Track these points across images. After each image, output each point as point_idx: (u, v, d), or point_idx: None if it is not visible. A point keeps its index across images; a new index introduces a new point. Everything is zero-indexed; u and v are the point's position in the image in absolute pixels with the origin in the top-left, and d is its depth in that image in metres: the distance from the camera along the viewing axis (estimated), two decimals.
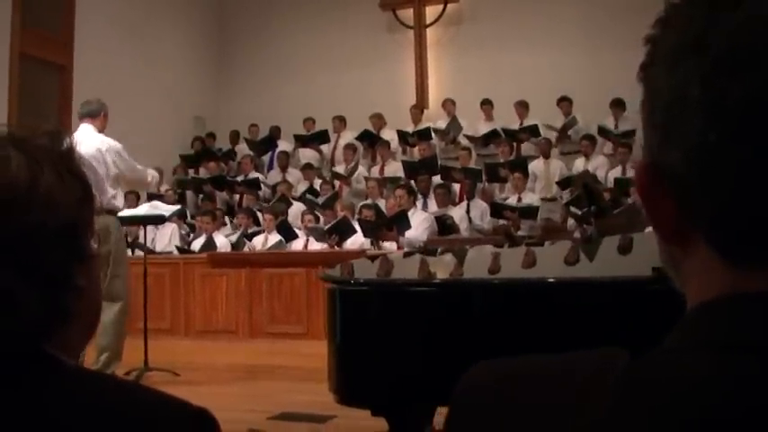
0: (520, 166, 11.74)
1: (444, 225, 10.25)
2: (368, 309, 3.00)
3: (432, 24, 15.02)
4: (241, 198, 12.94)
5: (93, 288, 1.09)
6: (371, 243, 9.85)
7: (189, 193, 13.43)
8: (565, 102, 13.05)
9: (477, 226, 10.86)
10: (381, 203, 10.99)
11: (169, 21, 14.69)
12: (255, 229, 11.12)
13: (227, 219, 12.19)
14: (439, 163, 12.22)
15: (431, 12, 15.03)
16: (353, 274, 3.58)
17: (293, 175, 13.59)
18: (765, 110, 0.63)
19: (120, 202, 6.85)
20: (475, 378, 0.78)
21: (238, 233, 11.20)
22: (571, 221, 10.02)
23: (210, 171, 13.77)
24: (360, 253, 8.62)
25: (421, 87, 14.92)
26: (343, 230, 10.02)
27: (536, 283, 3.05)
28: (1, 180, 0.97)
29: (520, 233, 9.91)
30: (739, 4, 0.64)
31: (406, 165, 12.30)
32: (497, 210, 10.76)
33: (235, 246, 10.78)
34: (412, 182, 11.49)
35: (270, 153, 14.34)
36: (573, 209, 9.83)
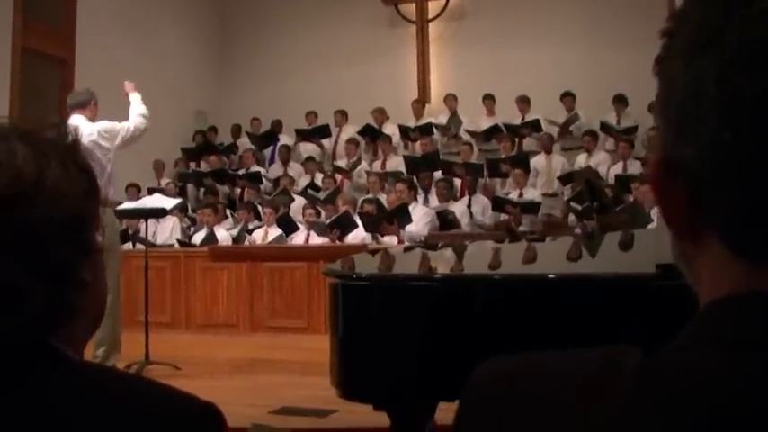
0: (521, 161, 11.73)
1: (445, 220, 10.24)
2: (370, 303, 2.99)
3: (434, 19, 15.01)
4: (242, 192, 12.94)
5: (99, 282, 1.09)
6: (372, 237, 9.85)
7: (190, 187, 13.44)
8: (568, 97, 13.06)
9: (479, 221, 10.86)
10: (382, 198, 10.99)
11: (171, 14, 14.68)
12: (257, 223, 11.12)
13: (228, 212, 12.20)
14: (440, 158, 12.20)
15: (433, 6, 15.02)
16: (354, 268, 3.58)
17: (294, 169, 13.59)
18: None
19: (111, 194, 6.83)
20: (485, 374, 0.77)
21: (239, 227, 11.20)
22: (572, 217, 10.02)
23: (212, 165, 13.78)
24: (361, 247, 8.62)
25: (423, 82, 14.91)
26: (345, 225, 10.01)
27: (538, 279, 3.04)
28: (7, 173, 0.96)
29: (521, 229, 9.92)
30: (755, 1, 0.64)
31: (407, 160, 12.29)
32: (499, 205, 10.75)
33: (236, 240, 10.78)
34: (414, 177, 11.48)
35: (271, 147, 14.34)
36: (574, 204, 9.82)
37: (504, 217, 10.59)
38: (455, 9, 14.90)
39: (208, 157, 14.05)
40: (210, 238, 10.63)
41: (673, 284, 2.57)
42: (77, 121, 6.54)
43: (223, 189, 13.30)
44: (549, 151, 12.38)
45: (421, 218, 9.99)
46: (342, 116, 14.25)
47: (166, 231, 11.17)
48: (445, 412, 2.86)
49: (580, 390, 0.68)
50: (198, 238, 10.86)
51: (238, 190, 13.16)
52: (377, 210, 10.25)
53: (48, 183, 0.97)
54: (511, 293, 2.88)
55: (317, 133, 14.04)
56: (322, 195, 11.77)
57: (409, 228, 9.68)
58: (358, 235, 9.97)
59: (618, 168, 11.55)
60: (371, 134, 13.57)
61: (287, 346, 8.15)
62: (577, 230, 8.44)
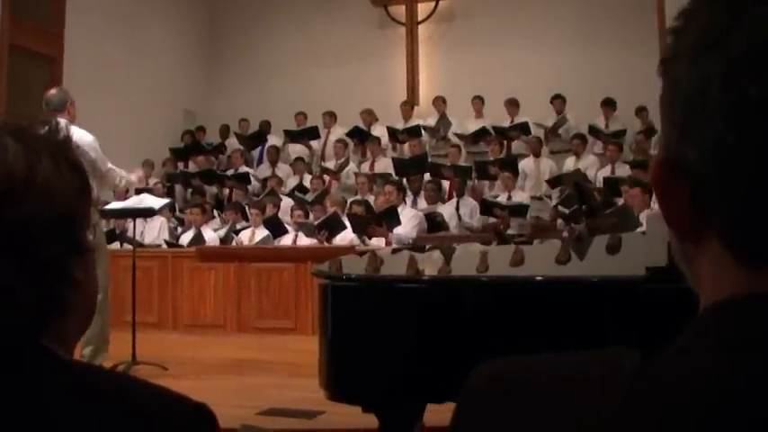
0: (510, 164, 11.75)
1: (434, 222, 10.25)
2: (360, 304, 2.99)
3: (423, 21, 15.02)
4: (231, 192, 12.92)
5: (90, 281, 1.08)
6: (360, 239, 9.84)
7: (178, 187, 13.40)
8: (558, 99, 13.09)
9: (467, 223, 10.87)
10: (371, 199, 10.99)
11: (160, 13, 14.65)
12: (245, 224, 11.10)
13: (215, 213, 12.17)
14: (429, 160, 12.21)
15: (423, 8, 15.04)
16: (342, 270, 3.57)
17: (283, 169, 13.57)
18: None
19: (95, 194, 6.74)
20: (482, 377, 0.77)
21: (227, 227, 11.18)
22: (560, 221, 10.03)
23: (200, 165, 13.75)
24: (349, 249, 8.61)
25: (412, 84, 14.92)
26: (333, 226, 10.01)
27: (527, 281, 3.04)
28: None
29: (509, 231, 9.92)
30: (763, 2, 0.64)
31: (396, 162, 12.29)
32: (487, 207, 10.76)
33: (223, 240, 10.76)
34: (403, 179, 11.48)
35: (260, 147, 14.33)
36: (561, 208, 9.84)
37: (492, 220, 10.60)
38: (445, 11, 14.92)
39: (196, 157, 14.03)
40: (198, 238, 10.60)
41: (661, 288, 2.58)
42: None
43: (211, 189, 13.28)
44: (537, 154, 12.41)
45: (409, 220, 9.99)
46: (330, 117, 14.25)
47: (154, 231, 11.14)
48: (434, 414, 2.86)
49: (578, 393, 0.67)
50: (185, 238, 10.83)
51: (226, 190, 13.13)
52: (365, 211, 10.24)
53: (38, 179, 0.96)
54: (499, 295, 2.88)
55: (305, 134, 14.03)
56: (310, 197, 11.76)
57: (397, 230, 9.68)
58: (346, 236, 9.97)
59: (606, 171, 11.58)
60: (360, 136, 13.57)
61: (274, 347, 8.13)
62: (565, 233, 8.46)
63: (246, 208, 11.39)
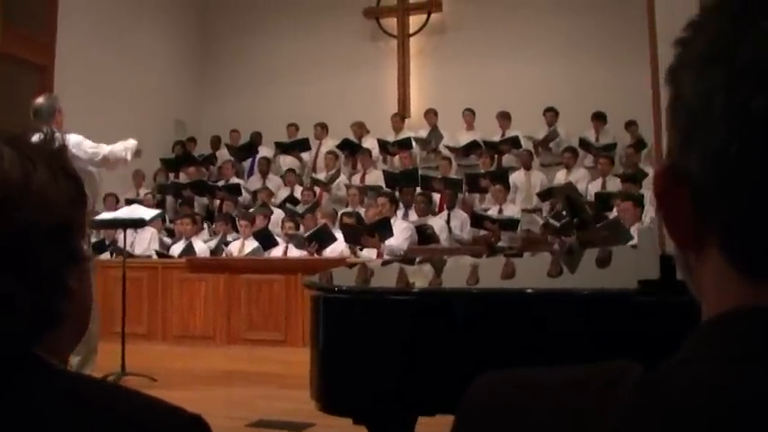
0: (501, 177, 11.76)
1: (424, 234, 10.25)
2: (352, 316, 2.99)
3: (415, 34, 15.06)
4: (221, 204, 12.91)
5: (85, 291, 1.07)
6: (350, 250, 9.84)
7: (168, 198, 13.38)
8: (550, 112, 13.11)
9: (457, 236, 10.87)
10: (362, 212, 11.00)
11: (151, 24, 14.65)
12: (235, 235, 11.09)
13: (205, 224, 12.15)
14: (419, 173, 12.22)
15: (414, 21, 15.08)
16: (332, 282, 3.56)
17: (273, 181, 13.57)
18: None
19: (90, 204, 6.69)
20: (481, 390, 0.77)
21: (217, 239, 11.16)
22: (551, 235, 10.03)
23: (190, 176, 13.73)
24: (340, 261, 8.61)
25: (403, 96, 14.93)
26: (323, 238, 10.00)
27: (519, 294, 3.04)
28: None
29: (500, 244, 9.93)
30: None
31: (386, 175, 12.29)
32: (478, 220, 10.76)
33: (213, 252, 10.74)
34: (396, 191, 11.49)
35: (250, 159, 14.32)
36: (552, 221, 9.85)
37: (482, 232, 10.60)
38: (436, 24, 14.95)
39: (187, 168, 14.01)
40: (189, 249, 10.58)
41: (654, 301, 2.58)
42: None
43: (201, 200, 13.27)
44: (528, 167, 12.42)
45: (401, 232, 9.99)
46: (322, 129, 14.25)
47: (144, 242, 11.12)
48: (425, 426, 2.86)
49: (580, 404, 0.67)
50: (176, 249, 10.81)
51: (217, 201, 13.12)
52: (357, 223, 10.25)
53: (34, 188, 0.95)
54: (491, 308, 2.88)
55: (296, 146, 14.03)
56: (301, 208, 11.75)
57: (389, 241, 9.68)
58: (336, 248, 9.97)
59: (597, 185, 11.60)
60: (350, 148, 13.58)
61: (264, 358, 8.12)
62: (556, 246, 8.47)
63: (237, 219, 11.38)
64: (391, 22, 15.15)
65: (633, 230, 8.12)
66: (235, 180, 13.42)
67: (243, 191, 13.12)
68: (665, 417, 0.62)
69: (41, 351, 0.99)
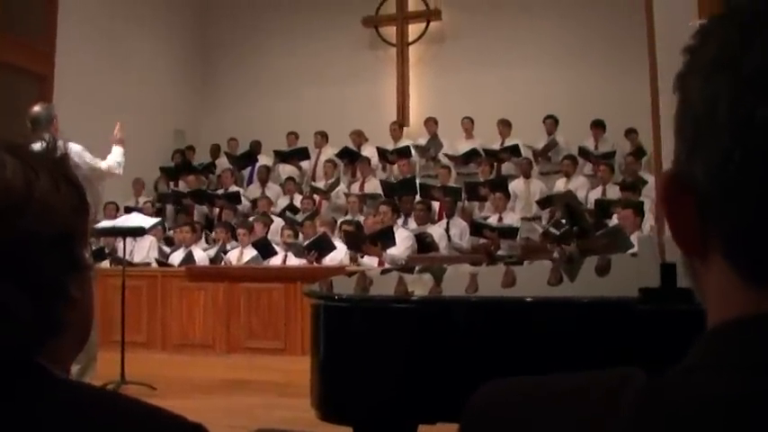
0: (500, 185, 11.76)
1: (424, 243, 10.24)
2: (352, 324, 2.98)
3: (414, 42, 15.07)
4: (220, 212, 12.91)
5: (87, 300, 1.07)
6: (351, 259, 9.84)
7: (168, 207, 13.38)
8: (550, 120, 13.11)
9: (457, 244, 10.86)
10: (361, 220, 10.99)
11: (151, 33, 14.66)
12: (235, 244, 11.09)
13: (204, 232, 12.15)
14: (418, 181, 12.23)
15: (413, 29, 15.09)
16: (332, 290, 3.56)
17: (273, 189, 13.57)
18: None
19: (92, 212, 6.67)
20: (485, 399, 0.77)
21: (216, 247, 11.16)
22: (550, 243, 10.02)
23: (190, 184, 13.73)
24: (339, 269, 8.60)
25: (402, 105, 14.94)
26: (323, 247, 10.00)
27: (519, 302, 3.04)
28: None
29: (499, 253, 9.92)
30: None
31: (384, 185, 12.30)
32: (477, 229, 10.76)
33: (213, 260, 10.74)
34: (396, 200, 11.48)
35: (250, 167, 14.32)
36: (552, 229, 9.85)
37: (482, 241, 10.59)
38: (435, 32, 14.97)
39: (186, 176, 14.01)
40: (189, 258, 10.57)
41: (655, 309, 2.57)
42: None
43: (201, 209, 13.27)
44: (527, 175, 12.42)
45: (403, 241, 9.98)
46: (322, 137, 14.25)
47: (143, 250, 11.11)
48: None
49: (583, 412, 0.67)
50: (175, 257, 10.80)
51: (216, 210, 13.12)
52: (358, 231, 10.25)
53: (37, 196, 0.96)
54: (491, 316, 2.87)
55: (295, 155, 14.03)
56: (300, 217, 11.75)
57: (390, 251, 9.67)
58: (336, 257, 9.96)
59: (597, 193, 11.60)
60: (349, 156, 13.58)
61: (264, 367, 8.11)
62: (556, 255, 8.46)
63: (236, 228, 11.37)
64: (390, 31, 15.18)
65: (633, 238, 8.12)
66: (234, 188, 13.43)
67: (242, 199, 13.12)
68: (668, 425, 0.62)
69: (43, 360, 0.99)
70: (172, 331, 9.53)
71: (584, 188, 11.91)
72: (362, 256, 9.75)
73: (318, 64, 14.96)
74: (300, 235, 10.89)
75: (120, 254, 8.52)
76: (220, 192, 13.38)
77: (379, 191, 12.25)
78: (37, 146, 1.04)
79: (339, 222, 11.05)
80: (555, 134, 13.10)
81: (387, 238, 9.71)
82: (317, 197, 12.67)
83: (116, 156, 7.04)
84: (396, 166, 13.17)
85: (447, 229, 11.07)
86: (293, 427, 5.42)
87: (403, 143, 13.56)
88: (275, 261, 10.35)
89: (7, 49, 11.12)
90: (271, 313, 9.19)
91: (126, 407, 0.99)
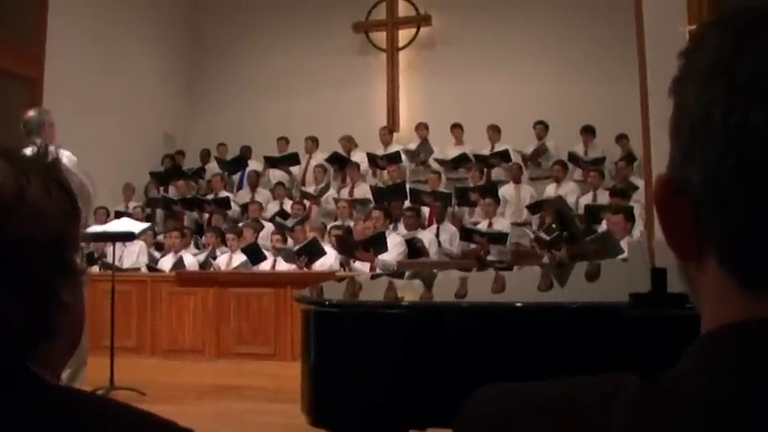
0: (490, 191, 11.76)
1: (414, 248, 10.24)
2: (343, 330, 2.98)
3: (404, 47, 15.09)
4: (210, 217, 12.89)
5: (78, 305, 1.07)
6: (341, 264, 9.83)
7: (158, 212, 13.36)
8: (540, 125, 13.12)
9: (447, 250, 10.87)
10: (351, 225, 10.99)
11: (141, 36, 14.64)
12: (224, 249, 11.07)
13: (194, 237, 12.13)
14: (408, 186, 12.22)
15: (404, 35, 15.11)
16: (322, 295, 3.56)
17: (262, 194, 13.55)
18: None
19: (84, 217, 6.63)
20: (478, 402, 0.77)
21: (206, 252, 11.14)
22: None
23: (180, 189, 13.70)
24: (329, 274, 8.60)
25: (392, 110, 14.94)
26: (313, 252, 9.99)
27: (509, 308, 3.04)
28: None
29: (489, 258, 9.93)
30: None
31: (374, 190, 12.30)
32: (467, 234, 10.76)
33: (202, 265, 10.72)
34: (388, 205, 11.48)
35: (240, 172, 14.31)
36: (542, 235, 9.86)
37: (472, 246, 10.59)
38: (425, 38, 14.99)
39: (176, 181, 13.98)
40: (179, 263, 10.55)
41: (644, 314, 2.58)
42: None
43: (191, 214, 13.25)
44: (517, 181, 12.42)
45: (395, 246, 9.98)
46: (312, 142, 14.24)
47: (133, 255, 11.09)
48: None
49: (578, 418, 0.67)
50: (165, 262, 10.78)
51: (206, 215, 13.10)
52: (348, 237, 10.24)
53: (28, 201, 0.95)
54: (482, 322, 2.87)
55: (285, 160, 14.01)
56: (290, 222, 11.74)
57: (382, 256, 9.67)
58: (326, 262, 9.95)
59: (587, 198, 11.61)
60: (339, 162, 13.58)
61: (254, 372, 8.10)
62: (546, 260, 8.47)
63: (225, 233, 11.36)
64: (380, 36, 15.19)
65: (624, 244, 8.13)
66: (224, 193, 13.41)
67: (232, 204, 13.10)
68: (663, 430, 0.62)
69: (34, 365, 0.98)
70: (161, 336, 9.51)
71: (574, 194, 11.93)
72: (354, 261, 9.75)
73: (309, 69, 14.96)
74: (290, 240, 10.88)
75: (110, 259, 8.48)
76: (210, 197, 13.35)
77: (369, 196, 12.25)
78: (29, 150, 1.04)
79: (329, 228, 11.04)
80: (545, 140, 13.11)
81: (379, 243, 9.71)
82: (307, 202, 12.67)
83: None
84: (386, 171, 13.16)
85: (437, 235, 11.07)
86: None
87: (393, 148, 13.55)
88: (265, 266, 10.33)
89: None
90: (260, 318, 9.18)
91: (117, 412, 0.99)
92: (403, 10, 15.13)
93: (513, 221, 11.68)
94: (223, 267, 10.47)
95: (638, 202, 10.38)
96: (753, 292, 0.66)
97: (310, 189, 13.09)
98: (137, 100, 14.14)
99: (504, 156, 12.78)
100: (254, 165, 14.29)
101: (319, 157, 13.91)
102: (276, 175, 14.02)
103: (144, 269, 10.65)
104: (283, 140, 14.33)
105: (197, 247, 11.84)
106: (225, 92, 15.58)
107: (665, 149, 0.73)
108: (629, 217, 9.36)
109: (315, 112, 14.51)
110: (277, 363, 8.48)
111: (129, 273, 10.21)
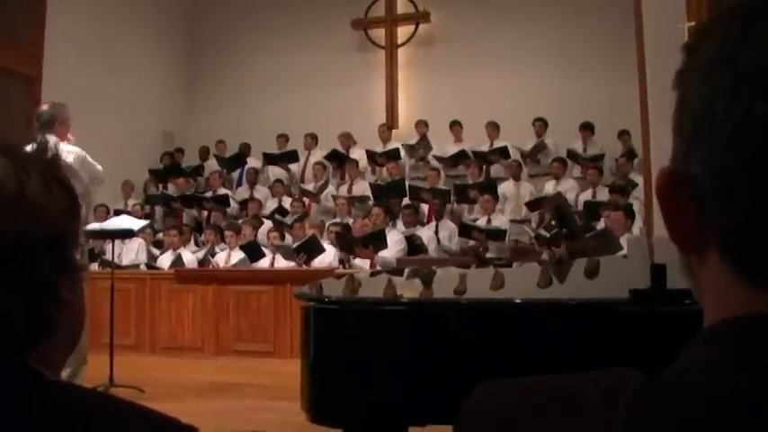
0: (489, 187, 11.76)
1: (413, 245, 10.24)
2: (342, 327, 2.97)
3: (403, 45, 15.07)
4: (209, 214, 12.89)
5: (78, 301, 1.07)
6: (341, 261, 9.83)
7: (157, 209, 13.36)
8: (539, 122, 13.11)
9: (446, 247, 10.86)
10: (349, 222, 10.99)
11: (140, 34, 14.63)
12: (223, 246, 11.07)
13: (194, 234, 12.13)
14: (407, 183, 12.23)
15: (402, 32, 15.10)
16: (322, 292, 3.56)
17: (261, 192, 13.55)
18: None
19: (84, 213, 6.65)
20: (479, 399, 0.76)
21: (205, 250, 11.14)
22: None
23: (179, 187, 13.70)
24: (328, 272, 8.60)
25: (391, 107, 14.93)
26: (312, 249, 9.99)
27: (509, 304, 3.04)
28: None
29: (488, 255, 9.93)
30: None
31: (373, 188, 12.30)
32: (466, 231, 10.75)
33: (201, 262, 10.71)
34: (387, 202, 11.48)
35: (239, 170, 14.31)
36: (542, 232, 9.85)
37: (471, 243, 10.59)
38: (424, 35, 14.97)
39: (175, 178, 13.98)
40: (179, 261, 10.55)
41: (644, 310, 2.58)
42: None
43: (190, 212, 13.24)
44: (516, 178, 12.41)
45: (395, 243, 9.98)
46: (312, 139, 14.25)
47: (132, 253, 11.08)
48: None
49: (579, 414, 0.67)
50: (164, 259, 10.78)
51: (205, 212, 13.10)
52: (347, 234, 10.24)
53: (28, 197, 0.95)
54: (482, 318, 2.87)
55: (284, 157, 14.01)
56: (289, 219, 11.74)
57: (382, 253, 9.67)
58: (325, 259, 9.95)
59: (586, 195, 11.59)
60: (338, 159, 13.58)
61: (253, 369, 8.10)
62: (545, 257, 8.47)
63: (225, 230, 11.36)
64: (379, 33, 15.18)
65: (623, 240, 8.13)
66: (223, 191, 13.42)
67: (231, 201, 13.11)
68: (666, 425, 0.62)
69: (34, 362, 0.98)
70: (160, 334, 9.51)
71: (573, 190, 11.92)
72: (354, 258, 9.75)
73: (307, 66, 14.95)
74: (289, 237, 10.88)
75: (109, 256, 8.48)
76: (209, 194, 13.35)
77: (368, 193, 12.26)
78: (29, 147, 1.04)
79: (327, 225, 11.05)
80: (544, 136, 13.10)
81: (378, 240, 9.71)
82: (306, 199, 12.67)
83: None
84: (385, 168, 13.15)
85: (436, 232, 11.07)
86: (283, 430, 5.41)
87: (392, 145, 13.55)
88: (263, 263, 10.33)
89: None
90: (260, 316, 9.18)
91: (119, 409, 0.99)
92: (402, 7, 15.11)
93: (513, 218, 11.67)
94: (222, 265, 10.47)
95: (637, 199, 10.37)
96: (754, 285, 0.66)
97: (309, 186, 13.10)
98: (136, 98, 14.13)
99: (504, 153, 12.78)
100: (253, 162, 14.29)
101: (318, 155, 13.91)
102: (275, 172, 14.02)
103: (143, 266, 10.65)
104: (282, 138, 14.33)
105: (196, 244, 11.85)
106: (224, 89, 15.56)
107: (665, 146, 0.73)
108: (629, 214, 9.35)
109: (314, 110, 14.51)
110: (276, 360, 8.49)
111: (128, 270, 10.20)
